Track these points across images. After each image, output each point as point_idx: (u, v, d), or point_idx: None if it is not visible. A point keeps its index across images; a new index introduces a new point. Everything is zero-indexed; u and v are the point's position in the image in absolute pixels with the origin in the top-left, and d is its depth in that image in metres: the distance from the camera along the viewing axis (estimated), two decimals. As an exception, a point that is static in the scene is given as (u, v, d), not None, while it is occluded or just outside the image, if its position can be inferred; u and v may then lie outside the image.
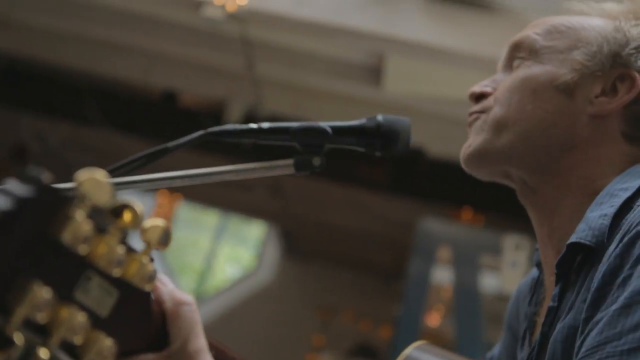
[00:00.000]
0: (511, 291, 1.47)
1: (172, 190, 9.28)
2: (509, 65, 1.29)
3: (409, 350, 1.34)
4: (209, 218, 13.86)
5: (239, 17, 4.14)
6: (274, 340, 10.53)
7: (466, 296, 5.49)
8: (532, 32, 1.26)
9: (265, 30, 4.62)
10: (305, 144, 1.27)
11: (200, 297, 12.65)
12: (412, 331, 5.37)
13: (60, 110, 6.43)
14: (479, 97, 1.28)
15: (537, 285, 1.28)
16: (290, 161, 1.28)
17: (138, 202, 0.63)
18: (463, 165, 1.26)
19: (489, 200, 6.03)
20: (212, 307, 11.71)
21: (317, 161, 1.26)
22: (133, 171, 1.31)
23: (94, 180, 0.60)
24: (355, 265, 10.77)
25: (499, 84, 1.27)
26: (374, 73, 5.09)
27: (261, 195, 8.45)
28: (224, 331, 10.88)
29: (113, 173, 1.27)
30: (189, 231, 14.33)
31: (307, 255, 11.20)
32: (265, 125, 1.29)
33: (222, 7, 4.10)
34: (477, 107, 1.27)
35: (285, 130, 1.28)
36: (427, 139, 5.77)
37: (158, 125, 6.25)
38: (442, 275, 6.06)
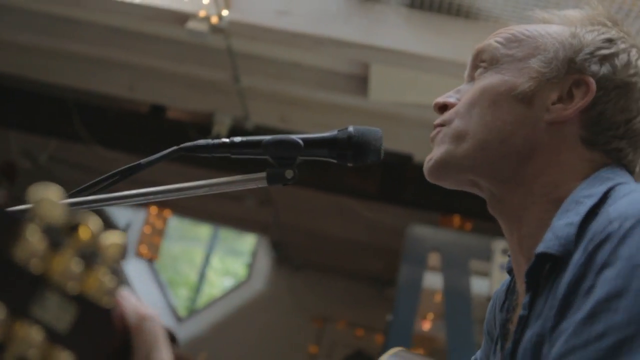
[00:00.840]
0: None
1: (162, 204, 9.27)
2: (472, 75, 1.30)
3: (385, 357, 1.36)
4: (202, 230, 13.85)
5: (222, 28, 4.16)
6: (267, 350, 10.52)
7: (457, 301, 5.51)
8: (494, 40, 1.28)
9: (249, 41, 4.64)
10: (277, 157, 1.29)
11: (195, 309, 12.62)
12: (404, 337, 5.38)
13: (48, 127, 6.43)
14: (442, 107, 1.29)
15: (508, 292, 1.30)
16: (262, 174, 1.30)
17: (94, 217, 0.64)
18: (427, 178, 1.27)
19: (477, 206, 6.05)
20: (205, 317, 11.69)
21: (289, 174, 1.29)
22: (109, 187, 1.32)
23: (46, 198, 0.61)
24: (348, 273, 10.76)
25: (462, 94, 1.28)
26: (361, 82, 5.12)
27: (251, 206, 8.46)
28: (217, 341, 10.87)
29: (88, 191, 1.28)
30: (181, 244, 14.31)
31: (299, 265, 11.19)
32: (238, 139, 1.31)
33: (207, 19, 4.11)
34: (439, 119, 1.28)
35: (258, 144, 1.30)
36: (415, 146, 5.79)
37: (146, 140, 6.26)
38: (434, 281, 6.08)
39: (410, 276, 5.69)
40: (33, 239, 0.60)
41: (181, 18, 4.18)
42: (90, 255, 0.64)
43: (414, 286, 5.65)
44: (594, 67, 1.20)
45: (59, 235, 0.63)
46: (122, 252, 0.64)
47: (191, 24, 4.13)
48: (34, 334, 0.62)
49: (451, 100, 1.29)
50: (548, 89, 1.21)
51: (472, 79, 1.30)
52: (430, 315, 7.95)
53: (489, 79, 1.24)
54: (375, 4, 4.15)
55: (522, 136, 1.20)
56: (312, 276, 11.11)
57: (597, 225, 1.02)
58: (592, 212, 1.07)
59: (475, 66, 1.30)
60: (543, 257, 1.08)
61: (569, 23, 1.26)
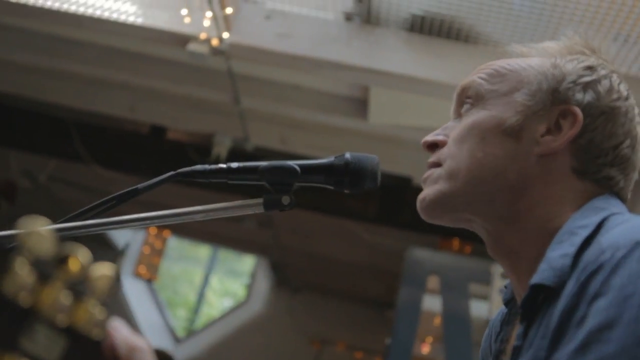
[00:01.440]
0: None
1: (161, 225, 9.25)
2: (458, 112, 1.31)
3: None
4: (201, 251, 13.82)
5: (223, 51, 4.17)
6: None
7: (456, 324, 5.48)
8: (477, 76, 1.28)
9: (249, 64, 4.65)
10: (274, 183, 1.29)
11: (193, 330, 12.57)
12: (403, 360, 5.35)
13: (49, 147, 6.44)
14: (431, 146, 1.30)
15: (503, 323, 1.29)
16: (259, 200, 1.30)
17: (83, 250, 0.64)
18: (423, 217, 1.26)
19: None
20: (203, 338, 11.63)
21: (286, 200, 1.29)
22: (105, 212, 1.32)
23: (34, 231, 0.61)
24: (347, 295, 10.71)
25: (450, 131, 1.28)
26: (360, 105, 5.12)
27: (251, 227, 8.44)
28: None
29: (84, 215, 1.28)
30: (180, 264, 14.28)
31: (298, 287, 11.14)
32: (235, 165, 1.31)
33: (207, 42, 4.13)
34: (433, 158, 1.28)
35: (254, 170, 1.30)
36: (415, 169, 5.79)
37: (146, 160, 6.26)
38: (433, 304, 6.05)
39: (409, 299, 5.67)
40: (22, 272, 0.60)
41: (182, 40, 4.19)
42: (80, 287, 0.64)
43: (413, 309, 5.63)
44: (578, 96, 1.21)
45: (48, 267, 0.62)
46: (114, 286, 0.63)
47: (192, 46, 4.14)
48: (24, 367, 0.61)
49: (440, 138, 1.29)
50: (535, 121, 1.21)
51: (458, 115, 1.30)
52: (430, 339, 7.90)
53: (476, 116, 1.25)
54: (375, 27, 4.17)
55: (515, 170, 1.19)
56: (311, 298, 11.06)
57: (589, 255, 1.02)
58: (587, 243, 1.06)
59: (460, 103, 1.30)
60: (538, 288, 1.08)
61: (548, 54, 1.27)
